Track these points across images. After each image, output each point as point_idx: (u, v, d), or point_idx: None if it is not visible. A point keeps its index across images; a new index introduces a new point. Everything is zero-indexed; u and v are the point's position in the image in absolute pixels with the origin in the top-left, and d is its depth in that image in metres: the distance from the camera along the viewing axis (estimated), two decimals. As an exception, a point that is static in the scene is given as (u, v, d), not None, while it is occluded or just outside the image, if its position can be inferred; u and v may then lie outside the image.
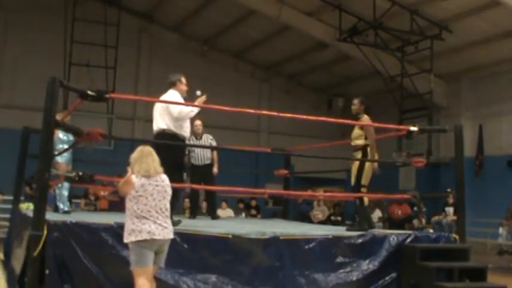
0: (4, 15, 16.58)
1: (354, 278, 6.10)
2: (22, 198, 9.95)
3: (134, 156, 4.85)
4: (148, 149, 4.93)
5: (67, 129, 6.18)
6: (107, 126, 15.29)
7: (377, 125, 7.32)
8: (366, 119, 7.28)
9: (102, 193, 12.52)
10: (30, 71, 15.85)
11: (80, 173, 5.55)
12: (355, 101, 7.43)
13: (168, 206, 4.82)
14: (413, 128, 7.12)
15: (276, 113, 7.28)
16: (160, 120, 6.67)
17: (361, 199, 7.22)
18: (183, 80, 7.06)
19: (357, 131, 7.29)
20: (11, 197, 9.73)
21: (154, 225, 4.67)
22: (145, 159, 4.80)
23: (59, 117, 5.86)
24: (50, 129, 5.30)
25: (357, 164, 7.20)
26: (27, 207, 8.37)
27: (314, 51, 17.20)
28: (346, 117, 13.53)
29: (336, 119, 9.76)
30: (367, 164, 7.12)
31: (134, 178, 4.74)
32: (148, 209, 4.69)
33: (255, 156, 18.21)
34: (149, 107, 17.98)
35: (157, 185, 4.77)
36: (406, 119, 15.19)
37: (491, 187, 14.67)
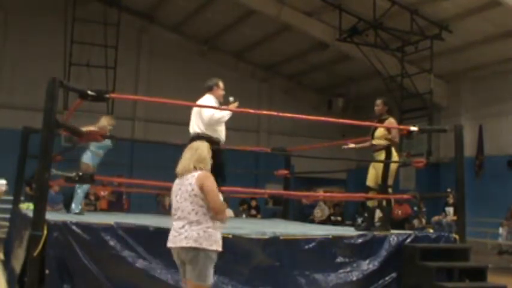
0: (4, 15, 16.57)
1: (354, 278, 6.11)
2: (22, 198, 9.95)
3: None
4: (192, 144, 4.53)
5: (68, 129, 6.19)
6: (106, 126, 15.26)
7: (377, 125, 7.32)
8: (391, 122, 7.26)
9: (102, 193, 12.53)
10: (30, 71, 15.83)
11: (80, 173, 5.55)
12: (378, 102, 7.39)
13: (190, 208, 4.23)
14: (414, 128, 7.13)
15: (276, 113, 7.29)
16: (195, 124, 6.71)
17: (388, 200, 7.20)
18: (221, 85, 7.00)
19: (381, 131, 7.23)
20: (11, 197, 9.71)
21: (171, 231, 4.32)
22: (183, 155, 4.43)
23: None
24: (50, 129, 5.30)
25: (376, 165, 7.18)
26: (27, 207, 8.37)
27: (314, 51, 17.19)
28: (346, 117, 13.59)
29: (336, 119, 9.76)
30: (393, 164, 7.11)
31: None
32: (173, 212, 4.34)
33: (255, 156, 18.20)
34: (149, 107, 18.20)
35: (182, 185, 4.32)
36: (406, 119, 15.17)
37: (491, 187, 14.67)
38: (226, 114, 6.67)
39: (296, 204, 15.75)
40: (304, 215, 14.50)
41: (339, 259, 6.15)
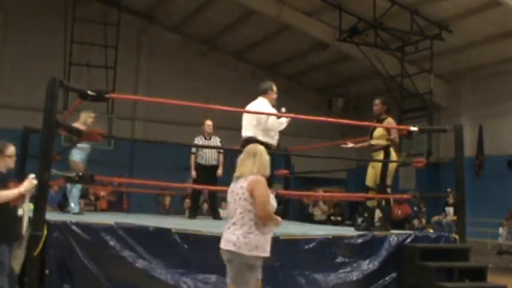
0: (4, 15, 16.58)
1: (354, 278, 6.11)
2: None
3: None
4: (251, 148, 4.48)
5: (67, 129, 6.18)
6: (106, 126, 15.28)
7: (377, 125, 7.31)
8: (390, 122, 7.25)
9: (102, 193, 12.53)
10: (30, 71, 15.83)
11: (80, 173, 5.54)
12: (377, 102, 7.37)
13: (238, 211, 4.22)
14: (414, 128, 7.12)
15: (276, 113, 7.28)
16: (248, 128, 6.72)
17: (387, 200, 7.20)
18: (274, 88, 7.03)
19: (380, 131, 7.22)
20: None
21: (223, 233, 4.34)
22: (242, 159, 4.43)
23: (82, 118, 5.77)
24: (50, 129, 5.30)
25: (375, 164, 7.18)
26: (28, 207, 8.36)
27: (314, 51, 17.19)
28: (346, 117, 13.59)
29: (336, 119, 9.76)
30: (391, 164, 7.10)
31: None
32: (227, 214, 4.43)
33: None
34: (149, 107, 18.19)
35: (235, 188, 4.32)
36: (406, 119, 15.17)
37: (491, 187, 14.67)
38: (285, 122, 6.71)
39: (296, 204, 15.74)
40: (303, 215, 14.49)
41: (339, 259, 6.15)
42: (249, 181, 4.23)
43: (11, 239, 4.84)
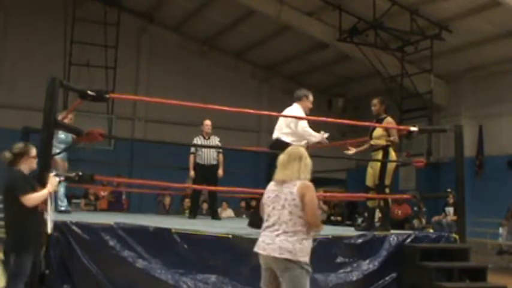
0: (4, 15, 16.58)
1: (354, 278, 6.11)
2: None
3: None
4: (293, 151, 4.35)
5: (67, 129, 6.18)
6: (107, 126, 15.28)
7: (377, 125, 7.31)
8: (390, 121, 7.25)
9: (102, 193, 12.53)
10: (30, 71, 15.82)
11: (80, 173, 5.54)
12: (375, 101, 7.36)
13: (288, 218, 4.06)
14: (414, 128, 7.11)
15: (276, 113, 7.29)
16: (278, 130, 6.75)
17: (385, 200, 7.19)
18: (310, 97, 7.03)
19: (379, 131, 7.21)
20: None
21: (264, 238, 4.13)
22: (283, 162, 4.28)
23: (60, 116, 5.86)
24: (50, 129, 5.30)
25: (374, 164, 7.17)
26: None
27: (314, 51, 17.19)
28: (346, 117, 13.60)
29: (336, 119, 9.75)
30: (390, 164, 7.10)
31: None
32: (267, 218, 4.18)
33: (255, 156, 18.19)
34: (149, 107, 18.18)
35: (281, 192, 4.16)
36: (406, 119, 15.17)
37: (491, 187, 14.67)
38: (314, 136, 6.74)
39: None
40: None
41: (339, 259, 6.15)
42: (298, 186, 4.10)
43: (37, 246, 4.83)
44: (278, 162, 4.27)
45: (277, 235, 4.04)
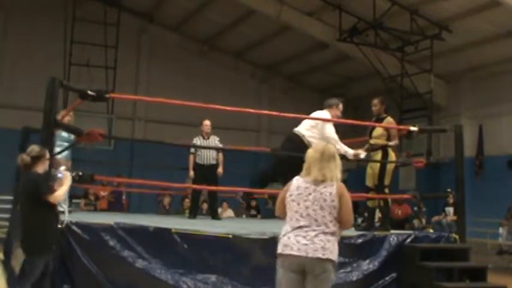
0: (4, 15, 16.58)
1: (354, 278, 6.11)
2: (22, 198, 9.93)
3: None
4: (326, 148, 4.16)
5: (67, 129, 6.18)
6: (106, 126, 15.28)
7: (377, 125, 7.31)
8: (390, 121, 7.25)
9: (102, 193, 12.52)
10: (30, 71, 15.83)
11: (80, 173, 5.54)
12: (375, 101, 7.37)
13: (328, 218, 3.93)
14: (414, 128, 7.11)
15: (276, 113, 7.29)
16: (302, 126, 6.74)
17: (385, 200, 7.20)
18: (340, 106, 7.07)
19: (379, 131, 7.22)
20: (11, 197, 9.71)
21: (297, 238, 3.91)
22: (315, 160, 4.07)
23: (59, 116, 5.87)
24: (50, 129, 5.31)
25: (373, 165, 7.17)
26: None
27: (314, 51, 17.20)
28: (346, 117, 13.52)
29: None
30: (389, 164, 7.10)
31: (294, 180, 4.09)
32: (298, 218, 3.97)
33: (255, 156, 18.19)
34: (149, 107, 18.18)
35: (317, 192, 3.99)
36: (406, 119, 15.17)
37: (491, 187, 14.67)
38: (340, 145, 6.68)
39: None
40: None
41: (339, 259, 6.13)
42: (337, 187, 4.01)
43: (52, 247, 4.96)
44: (309, 159, 4.09)
45: (316, 235, 3.90)
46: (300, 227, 3.94)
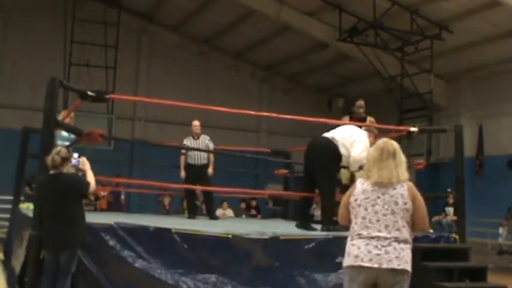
0: (4, 15, 16.57)
1: (354, 278, 6.09)
2: (22, 198, 9.96)
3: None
4: (391, 145, 3.73)
5: (67, 129, 6.19)
6: (106, 126, 15.28)
7: (377, 125, 7.33)
8: (373, 120, 7.30)
9: (102, 193, 12.52)
10: (30, 71, 15.84)
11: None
12: (362, 103, 7.44)
13: (400, 224, 3.56)
14: (414, 129, 7.13)
15: (275, 115, 7.30)
16: (338, 140, 6.68)
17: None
18: (375, 131, 7.19)
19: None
20: (11, 197, 9.72)
21: (368, 247, 3.54)
22: (380, 160, 3.67)
23: (60, 116, 5.88)
24: (50, 129, 5.31)
25: None
26: (27, 207, 8.36)
27: (314, 51, 17.20)
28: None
29: (336, 119, 9.75)
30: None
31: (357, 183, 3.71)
32: (367, 224, 3.59)
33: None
34: (149, 107, 18.18)
35: (386, 195, 3.61)
36: (406, 119, 15.18)
37: (491, 187, 14.67)
38: (362, 163, 6.64)
39: (296, 204, 15.71)
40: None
41: (339, 259, 6.11)
42: (408, 188, 3.62)
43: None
44: (369, 159, 3.74)
45: (389, 244, 3.52)
46: (369, 235, 3.56)
